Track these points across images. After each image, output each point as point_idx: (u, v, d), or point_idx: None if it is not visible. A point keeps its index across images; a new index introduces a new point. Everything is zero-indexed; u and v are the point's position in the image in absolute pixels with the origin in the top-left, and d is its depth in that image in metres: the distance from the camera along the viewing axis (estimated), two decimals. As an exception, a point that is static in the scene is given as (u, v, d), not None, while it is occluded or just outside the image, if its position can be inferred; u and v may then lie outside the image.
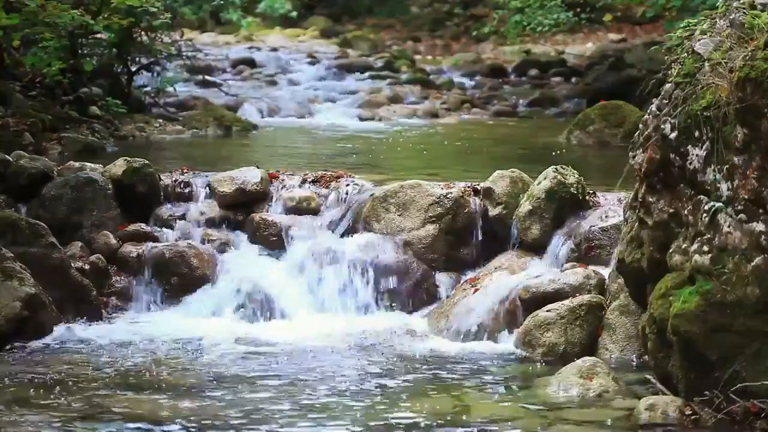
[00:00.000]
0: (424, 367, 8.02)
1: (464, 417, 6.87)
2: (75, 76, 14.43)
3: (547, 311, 8.39)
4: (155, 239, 9.86)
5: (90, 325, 9.07)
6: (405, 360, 8.19)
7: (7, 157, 10.17)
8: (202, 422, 6.72)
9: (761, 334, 6.51)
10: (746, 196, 6.52)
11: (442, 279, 9.60)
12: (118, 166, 10.19)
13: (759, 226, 6.48)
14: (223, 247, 9.87)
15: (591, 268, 8.80)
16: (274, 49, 27.12)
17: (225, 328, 9.00)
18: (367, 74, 22.90)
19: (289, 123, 17.34)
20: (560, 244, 9.23)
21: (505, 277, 9.12)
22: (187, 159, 11.95)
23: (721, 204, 6.65)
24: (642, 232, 7.29)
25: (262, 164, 10.59)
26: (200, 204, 10.23)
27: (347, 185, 10.24)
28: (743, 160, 6.55)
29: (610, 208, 9.29)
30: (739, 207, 6.55)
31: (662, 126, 6.98)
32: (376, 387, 7.50)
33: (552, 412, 6.94)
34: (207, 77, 20.22)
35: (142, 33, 16.15)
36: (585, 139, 14.48)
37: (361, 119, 17.82)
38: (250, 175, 10.20)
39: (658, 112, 7.07)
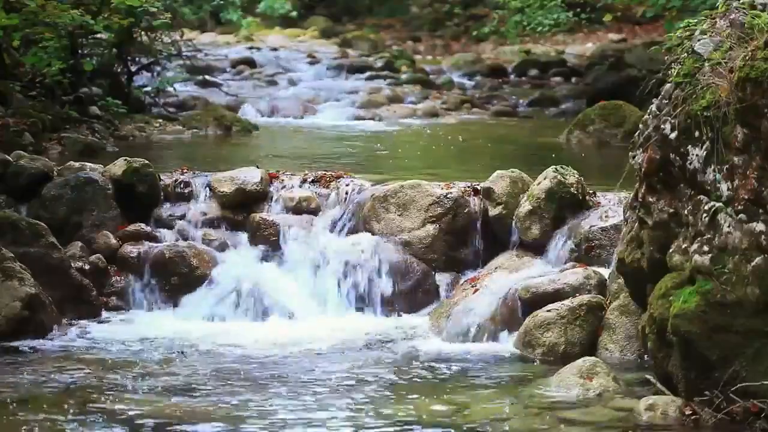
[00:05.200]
0: (424, 367, 8.02)
1: (464, 417, 6.86)
2: (75, 76, 14.43)
3: (547, 311, 8.39)
4: (155, 239, 9.86)
5: (90, 325, 9.08)
6: (405, 360, 8.19)
7: (7, 157, 10.17)
8: (202, 422, 6.72)
9: (761, 334, 6.51)
10: (746, 196, 6.52)
11: (442, 279, 9.60)
12: (118, 166, 10.19)
13: (759, 226, 6.48)
14: (223, 247, 9.87)
15: (591, 268, 8.80)
16: (274, 49, 27.10)
17: (224, 328, 9.01)
18: (366, 74, 22.87)
19: (289, 123, 17.34)
20: (560, 244, 9.23)
21: (505, 277, 9.12)
22: (187, 159, 11.94)
23: (721, 204, 6.65)
24: (642, 232, 7.29)
25: (262, 164, 10.59)
26: (200, 204, 10.22)
27: (347, 185, 10.23)
28: (743, 160, 6.55)
29: (610, 208, 9.29)
30: (739, 207, 6.55)
31: (662, 126, 6.98)
32: (376, 387, 7.50)
33: (552, 412, 6.93)
34: (207, 77, 20.21)
35: (142, 33, 16.17)
36: (585, 139, 14.47)
37: (361, 119, 17.81)
38: (250, 175, 10.20)
39: (658, 112, 7.07)
